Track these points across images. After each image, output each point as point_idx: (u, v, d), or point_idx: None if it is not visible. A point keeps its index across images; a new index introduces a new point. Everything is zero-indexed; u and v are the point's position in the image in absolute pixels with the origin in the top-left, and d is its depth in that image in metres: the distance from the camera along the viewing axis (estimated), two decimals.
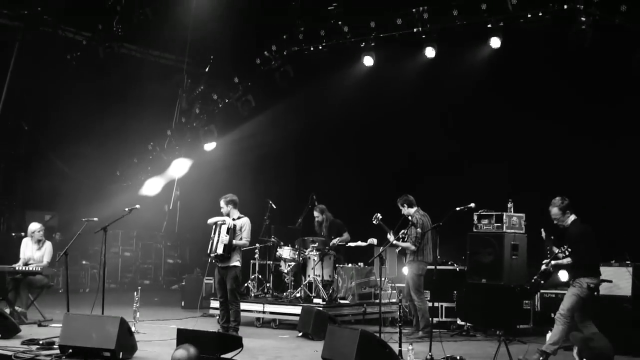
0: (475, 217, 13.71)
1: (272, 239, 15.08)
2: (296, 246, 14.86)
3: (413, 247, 12.76)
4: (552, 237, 10.73)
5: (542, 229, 10.86)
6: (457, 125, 17.00)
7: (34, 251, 13.70)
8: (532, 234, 13.06)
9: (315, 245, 14.54)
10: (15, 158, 19.69)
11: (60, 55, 19.24)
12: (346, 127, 18.72)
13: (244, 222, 12.21)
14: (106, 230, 11.59)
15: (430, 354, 10.03)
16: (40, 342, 10.67)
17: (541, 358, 10.26)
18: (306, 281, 14.39)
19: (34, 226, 13.88)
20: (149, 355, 10.36)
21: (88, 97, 19.91)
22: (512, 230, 13.37)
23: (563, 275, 13.54)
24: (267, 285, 15.03)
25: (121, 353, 9.69)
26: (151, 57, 21.90)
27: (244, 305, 13.51)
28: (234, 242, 12.00)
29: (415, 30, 16.07)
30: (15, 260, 13.64)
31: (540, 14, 14.56)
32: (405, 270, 13.33)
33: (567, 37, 14.09)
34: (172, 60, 21.97)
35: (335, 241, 14.69)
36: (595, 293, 10.56)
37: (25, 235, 13.96)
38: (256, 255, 15.22)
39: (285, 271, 14.74)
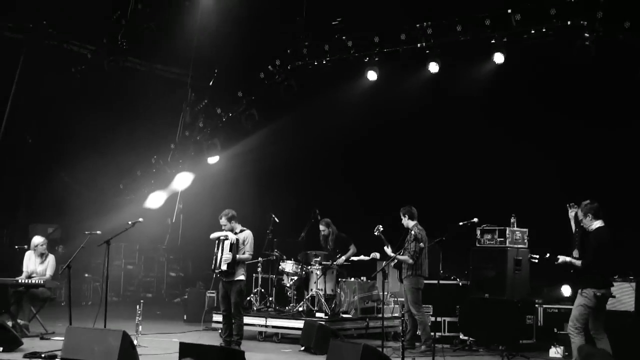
0: (478, 232, 13.70)
1: (275, 253, 15.08)
2: (299, 260, 14.86)
3: (411, 261, 12.75)
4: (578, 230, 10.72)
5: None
6: (460, 140, 16.98)
7: (37, 264, 13.72)
8: (535, 249, 13.04)
9: (318, 259, 14.54)
10: (18, 171, 19.70)
11: (64, 68, 19.28)
12: (350, 141, 18.73)
13: (247, 236, 12.21)
14: (109, 243, 11.60)
15: None
16: (43, 355, 10.70)
17: None
18: (309, 295, 14.38)
19: (37, 240, 13.91)
20: None
21: (92, 111, 19.92)
22: (515, 245, 13.35)
23: (566, 291, 13.58)
24: (270, 299, 15.01)
25: None
26: (155, 71, 21.93)
27: (246, 319, 13.47)
28: (238, 256, 12.01)
29: (419, 45, 16.11)
30: (18, 273, 13.67)
31: (543, 30, 14.60)
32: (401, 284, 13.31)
33: (570, 53, 14.15)
34: (176, 74, 22.00)
35: (341, 260, 14.66)
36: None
37: (29, 248, 13.99)
38: (259, 269, 15.22)
39: (288, 285, 14.72)
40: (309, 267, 14.60)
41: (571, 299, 13.20)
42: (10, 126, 19.55)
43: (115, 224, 14.33)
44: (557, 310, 13.36)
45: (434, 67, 16.06)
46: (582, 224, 10.56)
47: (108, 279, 11.70)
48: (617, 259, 10.56)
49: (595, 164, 14.88)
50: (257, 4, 18.08)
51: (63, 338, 10.57)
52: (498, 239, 13.49)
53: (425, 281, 13.11)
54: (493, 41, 15.24)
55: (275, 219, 15.54)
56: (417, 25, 16.00)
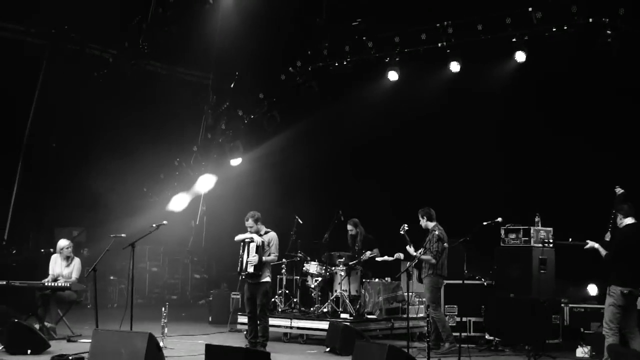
0: (502, 232, 13.66)
1: (299, 254, 15.09)
2: (323, 261, 14.87)
3: (433, 261, 12.70)
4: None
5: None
6: (483, 139, 16.92)
7: (62, 267, 13.82)
8: (560, 248, 13.01)
9: (342, 260, 14.53)
10: (43, 175, 19.83)
11: (87, 72, 19.39)
12: (371, 141, 18.70)
13: (272, 237, 12.23)
14: (134, 246, 11.65)
15: None
16: (70, 357, 10.76)
17: None
18: (333, 296, 14.38)
19: (63, 243, 14.01)
20: None
21: (114, 115, 20.07)
22: (540, 244, 13.29)
23: (592, 290, 13.52)
24: (295, 300, 15.03)
25: None
26: (177, 74, 22.04)
27: (271, 321, 13.51)
28: (264, 258, 12.03)
29: (439, 45, 16.08)
30: (44, 277, 13.77)
31: (565, 28, 14.53)
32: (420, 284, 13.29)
33: (592, 51, 14.08)
34: (197, 77, 22.10)
35: (366, 256, 14.61)
36: None
37: (54, 252, 14.08)
38: (283, 271, 15.23)
39: (312, 286, 14.73)
40: (333, 268, 14.59)
41: (597, 298, 13.23)
42: (35, 131, 19.73)
43: (139, 226, 14.40)
44: (583, 310, 13.29)
45: (455, 67, 16.03)
46: (615, 219, 10.59)
47: (133, 282, 11.76)
48: None
49: (622, 161, 14.76)
50: (277, 5, 18.10)
51: (90, 340, 10.64)
52: (523, 238, 13.44)
53: (450, 281, 13.09)
54: (514, 40, 15.19)
55: (299, 220, 15.55)
56: (438, 25, 15.96)
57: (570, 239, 10.98)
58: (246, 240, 12.13)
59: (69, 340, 12.86)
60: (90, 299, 17.88)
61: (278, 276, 15.30)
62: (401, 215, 15.23)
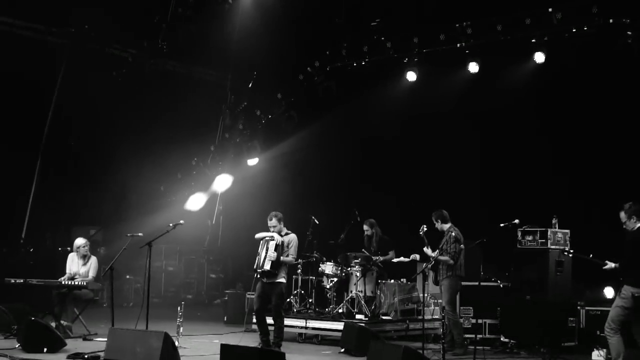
0: (519, 233, 13.59)
1: (315, 255, 15.09)
2: (339, 261, 14.85)
3: (451, 262, 12.62)
4: None
5: None
6: (501, 140, 16.84)
7: (79, 266, 13.87)
8: (578, 250, 12.92)
9: (357, 260, 14.51)
10: (61, 174, 19.93)
11: (106, 72, 19.47)
12: (389, 142, 18.66)
13: (292, 239, 12.22)
14: (151, 245, 11.68)
15: None
16: (86, 356, 10.80)
17: None
18: (349, 297, 14.36)
19: (80, 241, 14.06)
20: None
21: (133, 114, 20.15)
22: (557, 247, 13.21)
23: (609, 292, 13.41)
24: (310, 300, 15.02)
25: None
26: (195, 74, 22.08)
27: (286, 321, 13.50)
28: (282, 258, 12.02)
29: (458, 45, 16.03)
30: (61, 275, 13.82)
31: (585, 28, 14.44)
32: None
33: (613, 52, 14.00)
34: (215, 77, 22.12)
35: (379, 259, 14.59)
36: None
37: (71, 250, 14.14)
38: (299, 271, 15.24)
39: (328, 287, 14.72)
40: (349, 268, 14.58)
41: (614, 301, 13.10)
42: (54, 130, 19.82)
43: (156, 225, 14.43)
44: (599, 312, 13.15)
45: (473, 67, 15.98)
46: (625, 226, 10.47)
47: (150, 281, 11.78)
48: None
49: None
50: (296, 5, 18.10)
51: (106, 339, 10.68)
52: (539, 240, 13.36)
53: (466, 283, 13.03)
54: (534, 40, 15.12)
55: (315, 220, 15.54)
56: (457, 25, 15.92)
57: (590, 255, 10.91)
58: (266, 238, 12.12)
59: (85, 339, 12.90)
60: (107, 298, 17.96)
61: (294, 276, 15.30)
62: (417, 216, 15.20)
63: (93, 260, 13.99)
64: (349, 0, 17.88)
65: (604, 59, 14.70)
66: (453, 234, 12.68)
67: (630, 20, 13.78)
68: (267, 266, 11.95)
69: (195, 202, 20.40)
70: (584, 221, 14.05)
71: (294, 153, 19.58)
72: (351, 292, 14.38)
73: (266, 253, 12.01)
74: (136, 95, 20.05)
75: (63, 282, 13.46)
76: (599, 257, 10.65)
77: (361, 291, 14.22)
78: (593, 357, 12.14)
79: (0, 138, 18.40)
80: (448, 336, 12.59)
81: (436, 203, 13.73)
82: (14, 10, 18.36)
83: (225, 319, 16.69)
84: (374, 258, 14.56)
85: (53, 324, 12.65)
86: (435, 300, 14.70)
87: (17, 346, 11.51)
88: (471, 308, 13.53)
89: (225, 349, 9.94)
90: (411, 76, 16.85)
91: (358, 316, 13.88)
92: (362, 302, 14.02)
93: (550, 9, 14.64)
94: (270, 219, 12.19)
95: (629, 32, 13.77)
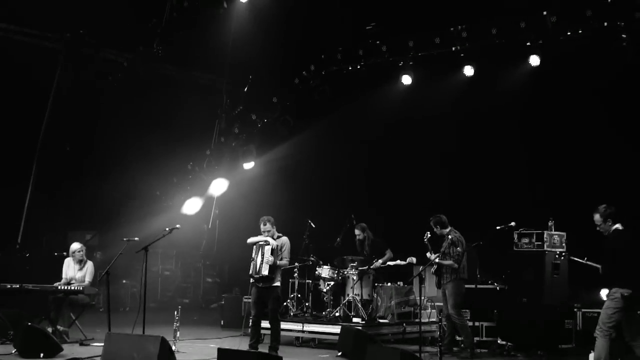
0: (515, 236, 13.61)
1: (311, 258, 15.09)
2: (335, 265, 14.85)
3: (455, 265, 12.62)
4: None
5: None
6: (497, 143, 16.87)
7: (75, 271, 13.85)
8: (574, 253, 12.94)
9: (354, 264, 14.51)
10: (57, 179, 19.90)
11: (101, 76, 19.46)
12: (385, 145, 18.69)
13: (285, 242, 12.23)
14: (147, 249, 11.66)
15: None
16: None
17: None
18: (345, 300, 14.36)
19: (75, 246, 14.03)
20: None
21: (128, 118, 20.15)
22: (553, 249, 13.23)
23: (605, 294, 13.41)
24: (307, 304, 15.02)
25: None
26: (191, 78, 22.09)
27: (283, 325, 13.54)
28: (277, 262, 12.03)
29: (454, 49, 16.05)
30: (57, 280, 13.80)
31: (580, 32, 14.48)
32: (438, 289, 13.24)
33: (607, 55, 14.05)
34: (211, 81, 22.13)
35: (378, 263, 14.58)
36: None
37: (67, 255, 14.12)
38: (295, 275, 15.23)
39: (325, 290, 14.72)
40: (346, 272, 14.58)
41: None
42: (49, 134, 19.80)
43: (152, 230, 14.45)
44: (596, 315, 13.03)
45: (469, 71, 16.02)
46: (599, 229, 10.51)
47: (146, 285, 11.76)
48: None
49: (635, 167, 14.71)
50: (291, 10, 18.11)
51: (102, 344, 10.66)
52: (536, 243, 13.39)
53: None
54: (529, 44, 15.16)
55: (312, 224, 15.54)
56: (452, 29, 15.95)
57: (585, 258, 10.93)
58: (260, 242, 12.11)
59: (81, 344, 12.88)
60: (103, 303, 17.95)
61: (290, 280, 15.32)
62: (414, 220, 15.23)
63: (89, 265, 13.97)
64: (344, 4, 17.89)
65: (599, 61, 14.73)
66: (450, 237, 12.69)
67: (624, 23, 13.81)
68: (265, 271, 11.93)
69: (191, 206, 20.38)
70: (581, 224, 14.03)
71: (289, 157, 19.58)
72: (348, 295, 14.38)
73: (262, 258, 12.00)
74: (132, 100, 20.05)
75: (59, 287, 13.42)
76: (594, 260, 10.66)
77: (358, 294, 14.22)
78: (590, 359, 12.15)
79: None
80: (447, 339, 12.60)
81: (433, 205, 13.74)
82: (8, 15, 18.35)
83: (222, 323, 16.69)
84: (378, 262, 14.53)
85: (49, 329, 12.63)
86: (432, 303, 14.72)
87: (13, 352, 11.47)
88: (468, 311, 13.53)
89: (222, 353, 9.94)
90: (406, 80, 16.89)
91: (355, 319, 13.88)
92: (359, 305, 14.03)
93: (545, 13, 14.67)
94: (265, 224, 12.18)
95: (624, 35, 13.81)
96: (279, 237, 12.25)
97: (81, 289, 13.39)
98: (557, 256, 11.84)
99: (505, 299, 13.74)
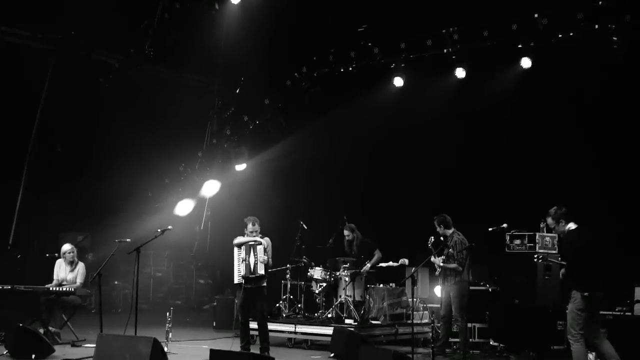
0: (507, 238, 13.64)
1: (304, 260, 15.10)
2: (327, 266, 14.86)
3: (460, 268, 12.62)
4: None
5: None
6: (487, 145, 16.90)
7: (67, 272, 13.84)
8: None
9: (346, 265, 14.53)
10: (48, 180, 19.85)
11: (92, 78, 19.42)
12: (376, 147, 18.71)
13: (269, 242, 12.31)
14: (139, 251, 11.65)
15: None
16: None
17: None
18: (338, 302, 14.38)
19: (66, 247, 14.03)
20: None
21: (120, 120, 20.12)
22: (545, 251, 13.25)
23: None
24: (299, 305, 15.03)
25: None
26: (183, 80, 22.06)
27: (275, 326, 13.62)
28: (269, 261, 12.10)
29: (445, 51, 16.09)
30: (49, 282, 13.79)
31: (571, 34, 14.52)
32: (438, 290, 13.26)
33: (598, 57, 14.09)
34: (203, 82, 22.11)
35: (366, 267, 14.60)
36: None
37: (59, 257, 14.10)
38: (287, 276, 15.23)
39: (317, 292, 14.73)
40: (338, 273, 14.59)
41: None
42: (41, 135, 19.75)
43: (144, 231, 14.42)
44: None
45: (460, 73, 16.05)
46: (554, 231, 10.61)
47: (138, 286, 11.75)
48: (600, 259, 10.41)
49: (630, 168, 14.75)
50: (283, 11, 18.12)
51: (94, 345, 10.64)
52: (528, 245, 13.42)
53: None
54: (520, 46, 15.20)
55: (304, 225, 15.55)
56: (443, 31, 15.98)
57: (559, 258, 11.00)
58: (250, 243, 12.12)
59: (73, 345, 12.88)
60: (95, 304, 17.92)
61: (282, 281, 15.32)
62: (406, 221, 15.26)
63: (80, 266, 13.97)
64: (336, 6, 17.91)
65: (590, 64, 14.78)
66: (454, 239, 12.67)
67: (615, 26, 13.86)
68: (261, 270, 11.99)
69: (183, 207, 20.35)
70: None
71: (281, 158, 19.57)
72: (340, 296, 14.40)
73: (256, 258, 12.01)
74: (123, 101, 20.00)
75: (51, 289, 13.41)
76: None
77: (350, 296, 14.24)
78: None
79: None
80: (441, 340, 12.63)
81: (425, 207, 13.75)
82: None
83: (214, 325, 16.69)
84: (365, 267, 14.55)
85: (41, 331, 12.61)
86: (425, 305, 14.75)
87: (5, 353, 11.46)
88: None
89: (214, 354, 9.93)
90: (398, 82, 16.91)
91: (347, 321, 13.91)
92: (351, 306, 14.05)
93: (536, 15, 14.71)
94: (253, 224, 12.20)
95: (614, 38, 13.85)
96: (262, 237, 12.29)
97: (73, 290, 13.38)
98: (535, 259, 11.88)
99: (497, 301, 13.76)
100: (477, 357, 12.50)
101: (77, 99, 19.30)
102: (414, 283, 12.02)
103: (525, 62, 15.24)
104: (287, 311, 15.01)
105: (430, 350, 10.98)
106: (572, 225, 10.32)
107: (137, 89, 19.95)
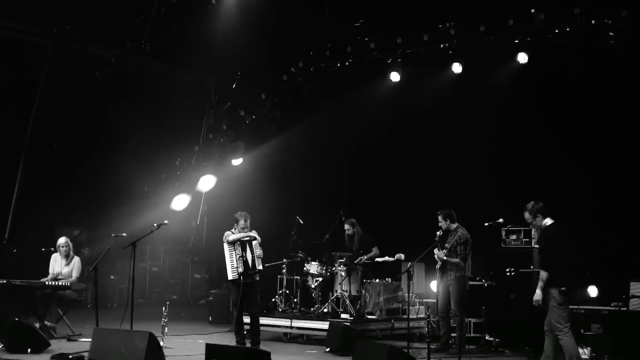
0: (503, 233, 13.65)
1: (300, 254, 15.11)
2: (324, 261, 14.87)
3: (462, 264, 12.62)
4: None
5: None
6: (484, 140, 16.89)
7: (62, 266, 13.84)
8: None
9: (342, 260, 14.54)
10: (44, 175, 19.83)
11: (89, 72, 19.39)
12: (373, 142, 18.67)
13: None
14: (135, 245, 11.66)
15: None
16: (70, 356, 10.77)
17: None
18: (334, 296, 14.39)
19: (60, 240, 14.05)
20: None
21: (116, 114, 20.11)
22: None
23: (592, 291, 13.50)
24: (295, 300, 15.04)
25: None
26: (179, 74, 22.04)
27: (271, 321, 13.63)
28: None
29: (442, 46, 16.07)
30: (45, 276, 13.78)
31: (568, 29, 14.52)
32: (434, 285, 13.27)
33: (595, 52, 14.10)
34: (199, 77, 22.10)
35: (363, 259, 14.63)
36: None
37: (55, 251, 14.09)
38: (284, 271, 15.25)
39: (313, 286, 14.75)
40: (334, 268, 14.61)
41: (597, 300, 13.22)
42: (36, 131, 19.72)
43: (140, 226, 14.41)
44: (583, 311, 13.22)
45: (457, 68, 16.03)
46: (531, 226, 10.75)
47: (134, 281, 11.76)
48: (575, 254, 10.51)
49: (624, 163, 14.76)
50: (279, 6, 18.12)
51: (90, 339, 10.65)
52: (523, 240, 13.45)
53: None
54: (517, 41, 15.19)
55: (300, 220, 15.56)
56: (440, 26, 15.96)
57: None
58: (245, 238, 12.12)
59: (69, 339, 12.88)
60: (91, 299, 17.91)
61: (278, 276, 15.34)
62: (402, 216, 15.25)
63: (76, 260, 13.96)
64: (332, 1, 17.90)
65: (586, 59, 14.78)
66: (459, 234, 12.65)
67: (612, 21, 13.86)
68: (260, 265, 12.06)
69: (180, 202, 20.34)
70: (572, 220, 14.08)
71: (278, 153, 19.55)
72: (336, 291, 14.41)
73: (252, 253, 12.03)
74: (119, 96, 19.99)
75: (47, 283, 13.41)
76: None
77: (346, 290, 14.26)
78: None
79: None
80: (443, 337, 12.65)
81: (421, 202, 13.74)
82: None
83: (210, 319, 16.70)
84: (360, 258, 14.59)
85: (37, 325, 12.61)
86: (421, 300, 14.76)
87: (0, 347, 11.45)
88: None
89: (210, 349, 9.93)
90: (395, 77, 16.88)
91: (343, 315, 13.92)
92: (347, 301, 14.06)
93: (533, 10, 14.70)
94: (245, 220, 12.21)
95: (611, 33, 13.86)
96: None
97: (69, 284, 13.38)
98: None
99: (493, 296, 13.78)
100: (472, 352, 12.50)
101: (73, 93, 19.25)
102: (409, 278, 12.03)
103: (522, 57, 15.23)
104: (283, 306, 15.03)
105: (427, 345, 10.96)
106: (548, 221, 10.40)
107: (134, 84, 19.95)
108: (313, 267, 14.67)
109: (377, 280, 14.77)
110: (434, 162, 17.40)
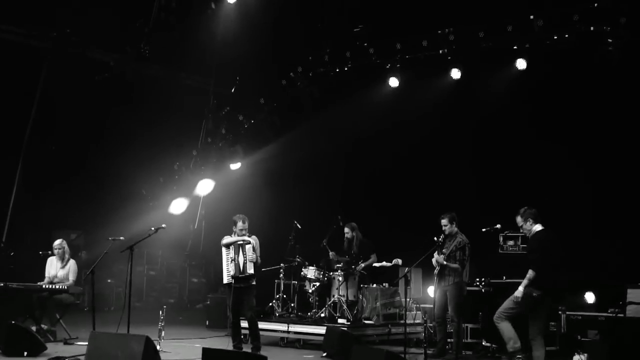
0: (501, 238, 13.64)
1: (297, 259, 15.10)
2: (321, 266, 14.86)
3: (461, 269, 12.59)
4: None
5: None
6: (482, 146, 16.91)
7: (57, 269, 13.82)
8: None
9: (340, 265, 14.53)
10: (42, 178, 19.82)
11: (88, 76, 19.40)
12: (372, 147, 18.69)
13: (256, 240, 12.33)
14: (132, 249, 11.65)
15: None
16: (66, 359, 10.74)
17: None
18: (331, 301, 14.38)
19: (56, 242, 14.02)
20: None
21: (114, 118, 20.10)
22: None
23: (589, 297, 13.49)
24: (292, 305, 15.03)
25: None
26: (178, 79, 22.04)
27: (268, 325, 13.61)
28: (258, 260, 12.11)
29: (441, 51, 16.09)
30: (42, 279, 13.76)
31: (566, 36, 14.54)
32: (431, 291, 13.26)
33: (593, 59, 14.12)
34: (198, 82, 22.09)
35: (360, 266, 14.64)
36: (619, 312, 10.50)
37: (52, 254, 14.08)
38: (281, 275, 15.23)
39: (310, 291, 14.74)
40: (331, 273, 14.60)
41: (594, 306, 13.22)
42: (35, 134, 19.71)
43: (138, 230, 14.40)
44: (580, 317, 13.24)
45: (456, 74, 16.04)
46: (522, 230, 10.95)
47: (131, 285, 11.75)
48: (564, 261, 10.67)
49: (622, 171, 14.76)
50: (279, 11, 18.14)
51: (86, 343, 10.62)
52: (521, 245, 13.44)
53: None
54: (515, 47, 15.21)
55: (298, 225, 15.55)
56: (439, 32, 15.98)
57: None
58: (239, 242, 12.13)
59: (65, 343, 12.85)
60: (88, 302, 17.90)
61: (276, 281, 15.33)
62: (400, 221, 15.23)
63: (72, 263, 13.94)
64: (331, 6, 17.92)
65: (585, 66, 14.80)
66: (458, 239, 12.62)
67: (610, 28, 13.88)
68: (251, 269, 12.03)
69: (178, 206, 20.35)
70: (570, 227, 14.09)
71: (276, 158, 19.56)
72: (333, 296, 14.41)
73: (245, 257, 12.04)
74: (118, 100, 19.99)
75: (44, 286, 13.39)
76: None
77: (343, 295, 14.24)
78: None
79: None
80: (439, 343, 12.62)
81: (419, 207, 13.72)
82: None
83: (207, 323, 16.68)
84: (361, 265, 14.59)
85: (34, 328, 12.59)
86: (418, 305, 14.75)
87: None
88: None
89: (207, 353, 9.92)
90: (393, 82, 16.90)
91: (340, 320, 13.91)
92: (344, 306, 14.05)
93: (531, 17, 14.73)
94: (243, 222, 12.24)
95: (609, 40, 13.88)
96: (249, 235, 12.31)
97: (66, 288, 13.36)
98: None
99: (490, 301, 13.75)
100: (469, 358, 12.50)
101: (72, 97, 19.27)
102: (407, 283, 12.02)
103: (521, 64, 15.24)
104: (280, 310, 15.01)
105: (423, 350, 10.96)
106: (538, 227, 10.54)
107: (132, 88, 19.95)
108: (310, 272, 14.66)
109: (375, 285, 14.77)
110: (431, 168, 17.38)
